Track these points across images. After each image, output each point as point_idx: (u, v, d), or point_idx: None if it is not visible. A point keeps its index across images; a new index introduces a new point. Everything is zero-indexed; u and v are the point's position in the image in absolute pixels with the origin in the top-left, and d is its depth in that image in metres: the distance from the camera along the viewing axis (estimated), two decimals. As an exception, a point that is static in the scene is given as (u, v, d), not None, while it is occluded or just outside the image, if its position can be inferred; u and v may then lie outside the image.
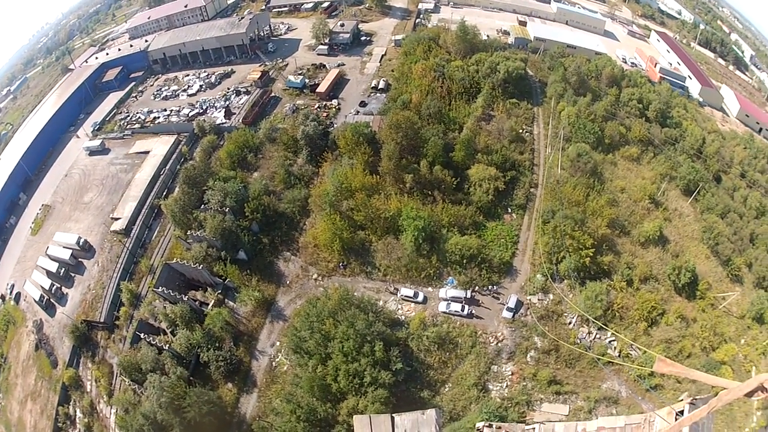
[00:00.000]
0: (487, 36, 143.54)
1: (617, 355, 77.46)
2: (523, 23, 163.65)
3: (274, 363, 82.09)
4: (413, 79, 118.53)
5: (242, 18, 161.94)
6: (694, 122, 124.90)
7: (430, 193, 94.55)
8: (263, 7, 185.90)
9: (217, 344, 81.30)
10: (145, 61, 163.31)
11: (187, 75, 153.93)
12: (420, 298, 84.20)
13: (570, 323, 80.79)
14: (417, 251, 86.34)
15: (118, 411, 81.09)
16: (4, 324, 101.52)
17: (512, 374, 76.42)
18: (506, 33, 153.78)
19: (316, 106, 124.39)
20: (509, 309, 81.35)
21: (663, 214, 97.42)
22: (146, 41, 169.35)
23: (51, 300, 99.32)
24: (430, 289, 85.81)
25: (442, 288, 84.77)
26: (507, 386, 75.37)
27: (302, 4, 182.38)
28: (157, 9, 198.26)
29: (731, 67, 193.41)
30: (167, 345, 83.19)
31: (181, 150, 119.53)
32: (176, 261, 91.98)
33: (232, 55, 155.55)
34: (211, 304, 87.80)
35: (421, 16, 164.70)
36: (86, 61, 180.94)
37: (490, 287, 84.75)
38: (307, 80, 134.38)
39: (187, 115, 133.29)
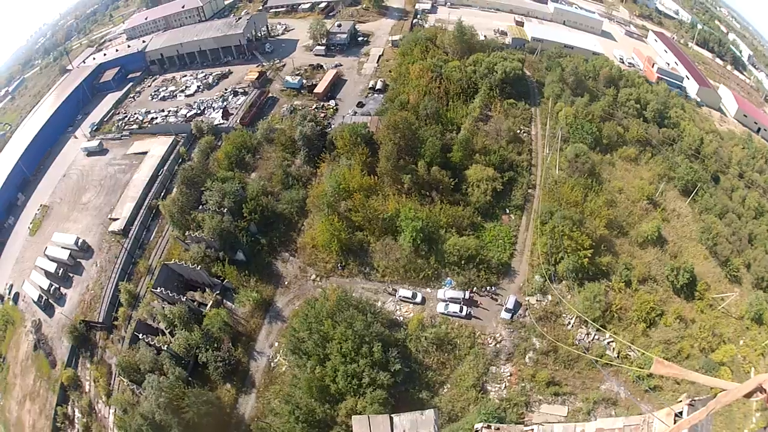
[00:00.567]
0: (485, 36, 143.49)
1: (616, 356, 77.58)
2: (520, 23, 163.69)
3: (272, 364, 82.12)
4: (410, 80, 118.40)
5: (239, 18, 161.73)
6: (691, 122, 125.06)
7: (428, 193, 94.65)
8: (260, 8, 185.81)
9: (215, 345, 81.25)
10: (143, 62, 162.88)
11: (185, 76, 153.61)
12: (418, 299, 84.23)
13: (568, 324, 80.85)
14: (415, 252, 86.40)
15: (116, 411, 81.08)
16: (3, 324, 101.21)
17: (511, 375, 76.53)
18: (503, 33, 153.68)
19: (313, 107, 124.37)
20: (508, 310, 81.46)
21: (661, 215, 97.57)
22: (144, 42, 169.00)
23: (49, 300, 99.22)
24: (428, 290, 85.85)
25: (441, 289, 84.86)
26: (505, 387, 75.48)
27: (299, 4, 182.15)
28: (155, 10, 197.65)
29: (729, 67, 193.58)
30: (166, 345, 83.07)
31: (179, 151, 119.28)
32: (174, 262, 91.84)
33: (229, 55, 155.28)
34: (209, 305, 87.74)
35: (418, 16, 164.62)
36: (84, 61, 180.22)
37: (488, 288, 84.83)
38: (304, 81, 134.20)
39: (185, 115, 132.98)
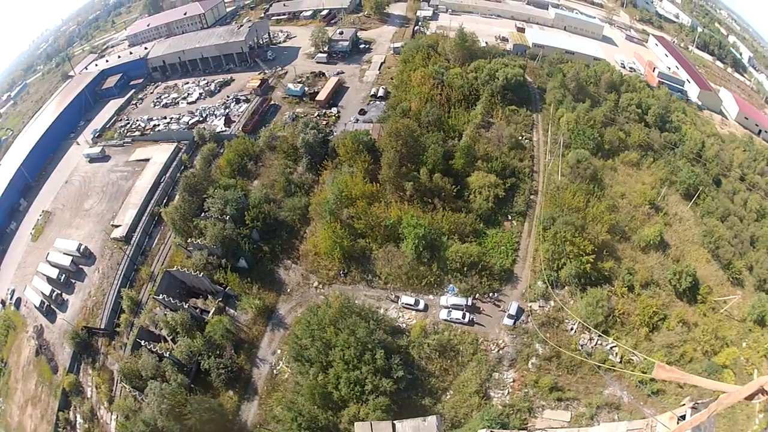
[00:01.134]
0: (486, 43, 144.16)
1: (619, 360, 77.46)
2: (521, 30, 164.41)
3: (275, 371, 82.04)
4: (412, 87, 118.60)
5: (241, 26, 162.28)
6: (693, 126, 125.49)
7: (430, 200, 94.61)
8: (262, 15, 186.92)
9: (217, 352, 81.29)
10: (145, 69, 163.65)
11: (187, 83, 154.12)
12: (421, 305, 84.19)
13: (571, 329, 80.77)
14: (417, 259, 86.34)
15: (118, 417, 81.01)
16: (5, 329, 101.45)
17: (514, 381, 76.42)
18: (505, 39, 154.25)
19: (315, 114, 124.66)
20: (510, 316, 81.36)
21: (663, 219, 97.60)
22: (146, 48, 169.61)
23: (51, 306, 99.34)
24: (430, 296, 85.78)
25: (443, 296, 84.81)
26: (508, 393, 75.35)
27: (301, 12, 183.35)
28: (157, 16, 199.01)
29: (730, 70, 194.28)
30: (168, 352, 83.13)
31: (181, 158, 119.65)
32: (177, 269, 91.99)
33: (231, 63, 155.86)
34: (211, 312, 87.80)
35: (420, 23, 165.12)
36: (86, 67, 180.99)
37: (490, 294, 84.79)
38: (306, 88, 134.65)
39: (187, 122, 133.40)
